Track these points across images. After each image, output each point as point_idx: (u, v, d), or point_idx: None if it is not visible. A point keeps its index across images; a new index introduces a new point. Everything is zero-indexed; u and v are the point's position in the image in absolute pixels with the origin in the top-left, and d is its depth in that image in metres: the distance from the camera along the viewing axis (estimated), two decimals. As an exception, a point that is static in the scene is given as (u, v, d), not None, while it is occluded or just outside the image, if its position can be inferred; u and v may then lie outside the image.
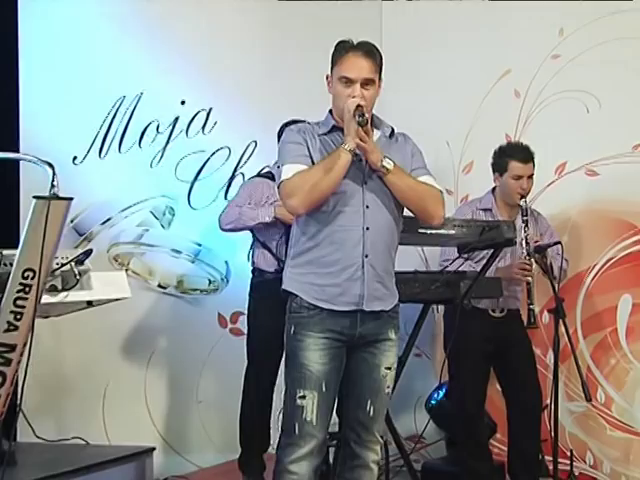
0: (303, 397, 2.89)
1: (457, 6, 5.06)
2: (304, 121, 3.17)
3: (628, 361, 4.82)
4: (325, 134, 3.00)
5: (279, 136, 3.04)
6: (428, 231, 3.80)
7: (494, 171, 4.40)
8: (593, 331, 4.89)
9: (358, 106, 2.85)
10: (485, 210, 4.39)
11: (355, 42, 2.97)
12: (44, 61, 4.94)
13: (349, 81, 2.92)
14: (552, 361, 4.12)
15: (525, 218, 4.20)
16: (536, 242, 4.26)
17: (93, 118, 4.93)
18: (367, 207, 2.96)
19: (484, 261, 4.12)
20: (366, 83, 2.93)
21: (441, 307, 4.64)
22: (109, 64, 4.93)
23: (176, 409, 4.93)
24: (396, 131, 3.12)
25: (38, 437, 4.59)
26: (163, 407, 4.92)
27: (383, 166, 2.90)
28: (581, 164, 4.89)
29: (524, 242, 4.16)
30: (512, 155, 4.30)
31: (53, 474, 4.01)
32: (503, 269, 4.22)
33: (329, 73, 3.02)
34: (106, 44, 4.94)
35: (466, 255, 4.13)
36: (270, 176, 4.30)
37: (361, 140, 2.85)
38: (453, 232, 3.87)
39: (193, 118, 4.97)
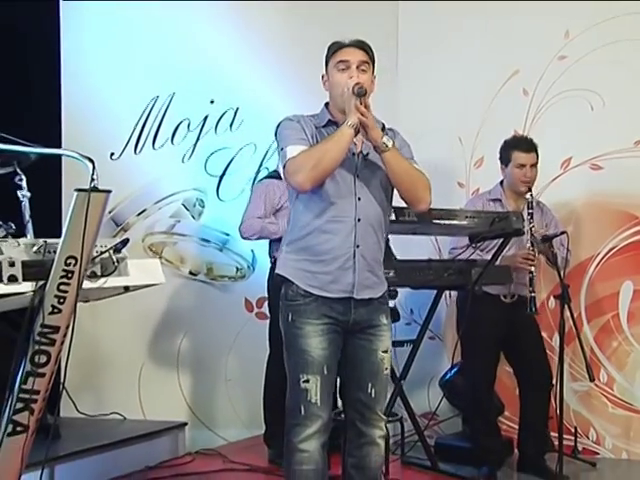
0: (307, 381, 2.88)
1: (469, 9, 5.02)
2: None
3: (629, 344, 4.83)
4: (321, 127, 2.97)
5: (276, 133, 3.01)
6: (442, 222, 3.82)
7: (501, 163, 4.40)
8: (596, 316, 4.89)
9: (356, 84, 2.83)
10: (494, 200, 4.39)
11: (348, 40, 2.97)
12: (84, 63, 4.98)
13: (346, 65, 2.91)
14: (558, 344, 4.11)
15: (530, 211, 4.19)
16: (544, 234, 4.25)
17: (129, 117, 4.96)
18: (359, 199, 2.93)
19: (491, 250, 4.14)
20: (361, 66, 2.92)
21: (453, 293, 4.62)
22: (144, 66, 4.96)
23: (206, 387, 4.95)
24: (386, 126, 3.06)
25: (80, 412, 4.63)
26: (194, 385, 4.95)
27: (383, 142, 2.86)
28: (585, 159, 4.88)
29: (529, 233, 4.14)
30: (515, 146, 4.32)
31: (93, 447, 4.07)
32: (508, 258, 4.21)
33: (324, 73, 3.00)
34: (141, 47, 4.97)
35: (474, 244, 4.14)
36: (278, 175, 4.26)
37: (362, 115, 2.82)
38: (465, 223, 3.87)
39: (221, 117, 4.97)
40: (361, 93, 2.82)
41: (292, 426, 2.93)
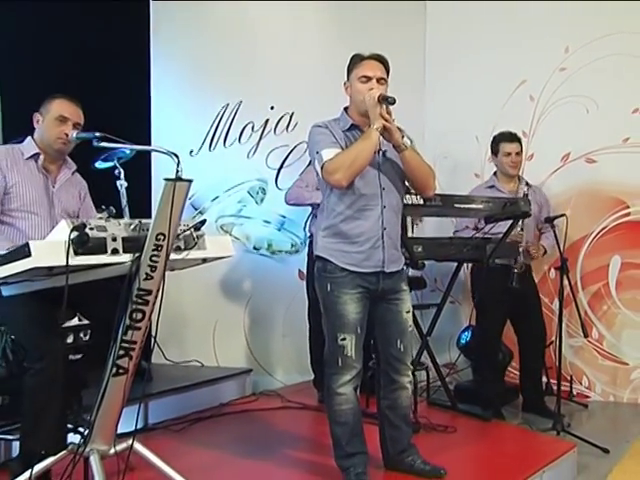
0: (344, 339, 2.88)
1: (485, 28, 5.00)
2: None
3: (617, 307, 4.82)
4: (346, 130, 2.93)
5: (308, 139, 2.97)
6: (462, 205, 3.78)
7: (492, 154, 4.42)
8: (590, 284, 4.87)
9: (380, 95, 2.81)
10: (490, 187, 4.40)
11: (368, 53, 2.94)
12: (169, 78, 5.00)
13: (368, 79, 2.88)
14: (557, 307, 4.07)
15: (527, 196, 4.17)
16: (546, 216, 4.25)
17: (205, 121, 4.97)
18: (383, 189, 2.92)
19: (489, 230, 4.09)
20: (380, 80, 2.89)
21: (470, 265, 4.59)
22: (217, 78, 4.96)
23: (266, 341, 4.97)
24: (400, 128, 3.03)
25: (167, 359, 4.68)
26: (257, 339, 4.97)
27: (403, 143, 2.86)
28: (582, 154, 4.85)
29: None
30: (502, 139, 4.36)
31: (178, 387, 4.13)
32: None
33: (346, 81, 2.97)
34: (215, 63, 4.95)
35: (474, 225, 4.26)
36: None
37: (387, 121, 2.80)
38: (481, 207, 3.84)
39: (279, 120, 4.95)
40: (392, 102, 2.80)
41: (331, 375, 2.94)
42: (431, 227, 4.83)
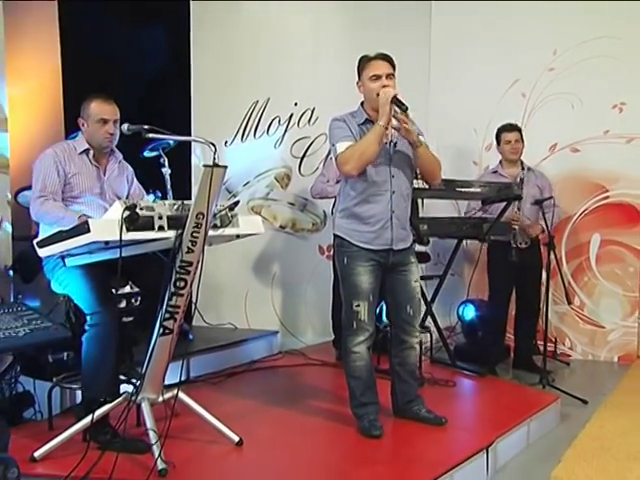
0: (358, 305, 2.89)
1: (483, 33, 4.91)
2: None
3: (596, 279, 4.79)
4: (361, 124, 2.90)
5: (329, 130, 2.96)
6: (462, 189, 3.77)
7: (496, 143, 4.36)
8: (574, 258, 4.83)
9: (395, 96, 2.76)
10: (494, 172, 4.36)
11: (374, 54, 2.90)
12: (207, 74, 4.95)
13: (377, 77, 2.84)
14: (545, 278, 4.02)
15: (522, 181, 4.14)
16: (536, 198, 4.17)
17: (237, 115, 4.93)
18: (393, 177, 2.90)
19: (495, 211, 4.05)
20: (389, 76, 2.85)
21: (470, 242, 4.54)
22: (247, 78, 4.92)
23: (291, 307, 4.96)
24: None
25: (205, 322, 4.68)
26: (283, 305, 4.96)
27: (418, 141, 2.84)
28: (567, 144, 4.79)
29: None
30: (503, 129, 4.31)
31: (215, 346, 4.14)
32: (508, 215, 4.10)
33: (358, 80, 2.93)
34: (246, 64, 4.91)
35: (479, 208, 4.16)
36: None
37: (404, 123, 2.77)
38: (479, 190, 3.83)
39: (302, 114, 4.91)
40: (404, 109, 2.76)
41: (347, 336, 2.95)
42: (437, 208, 4.77)
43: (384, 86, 2.81)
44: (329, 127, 2.92)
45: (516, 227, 4.10)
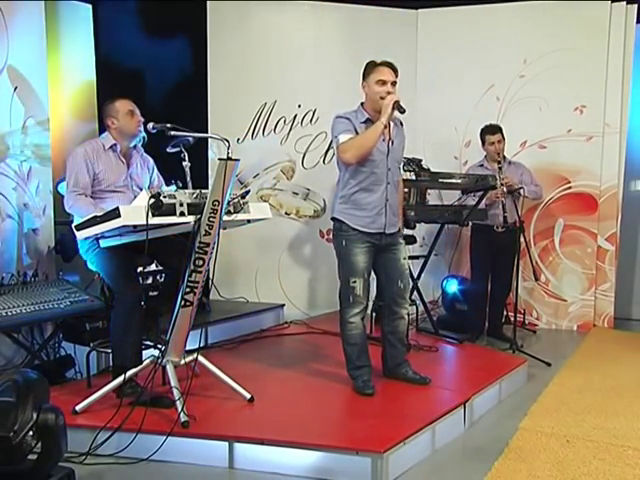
0: (354, 282, 2.89)
1: (464, 44, 4.85)
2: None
3: (560, 259, 4.78)
4: (361, 123, 2.89)
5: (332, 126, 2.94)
6: (445, 180, 3.76)
7: (481, 143, 4.31)
8: (540, 240, 4.82)
9: (397, 102, 2.77)
10: (480, 166, 4.32)
11: (380, 60, 2.89)
12: (223, 79, 4.86)
13: (383, 82, 2.83)
14: (516, 258, 4.00)
15: (500, 166, 4.08)
16: (509, 188, 4.10)
17: (248, 116, 4.88)
18: (389, 169, 2.91)
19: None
20: (393, 83, 2.85)
21: (452, 226, 4.49)
22: (257, 82, 4.83)
23: (296, 283, 4.94)
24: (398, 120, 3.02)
25: (221, 296, 4.66)
26: (289, 282, 4.94)
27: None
28: (536, 141, 4.77)
29: (498, 182, 3.98)
30: (486, 131, 4.26)
31: (229, 317, 4.14)
32: (490, 196, 4.03)
33: (363, 82, 2.90)
34: (255, 70, 4.83)
35: (465, 195, 4.10)
36: None
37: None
38: (459, 181, 3.82)
39: (305, 115, 4.87)
40: (402, 111, 2.78)
41: (344, 308, 2.95)
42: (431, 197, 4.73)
43: (389, 92, 2.81)
44: (333, 122, 2.91)
45: (503, 199, 4.00)
